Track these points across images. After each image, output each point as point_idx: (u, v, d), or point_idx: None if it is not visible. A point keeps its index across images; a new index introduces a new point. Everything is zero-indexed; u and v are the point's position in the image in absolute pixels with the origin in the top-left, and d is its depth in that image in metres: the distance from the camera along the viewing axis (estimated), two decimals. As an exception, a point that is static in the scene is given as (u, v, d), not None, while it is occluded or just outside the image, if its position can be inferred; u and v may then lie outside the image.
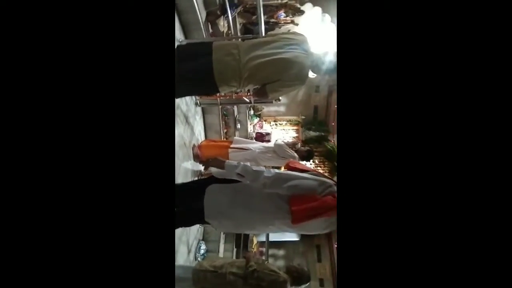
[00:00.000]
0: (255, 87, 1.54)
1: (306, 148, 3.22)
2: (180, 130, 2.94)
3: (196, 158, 3.30)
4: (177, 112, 2.88)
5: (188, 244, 3.06)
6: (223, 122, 3.88)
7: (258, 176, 1.35)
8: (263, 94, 1.52)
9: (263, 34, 2.48)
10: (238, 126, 4.05)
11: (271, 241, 3.65)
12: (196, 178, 3.26)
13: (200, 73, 1.42)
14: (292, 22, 4.05)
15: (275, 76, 1.43)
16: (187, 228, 3.02)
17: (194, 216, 1.54)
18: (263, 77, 1.45)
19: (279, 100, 3.60)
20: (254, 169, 1.38)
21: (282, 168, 3.09)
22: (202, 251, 3.34)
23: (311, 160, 3.13)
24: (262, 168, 1.40)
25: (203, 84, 1.45)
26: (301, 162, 2.94)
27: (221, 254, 3.61)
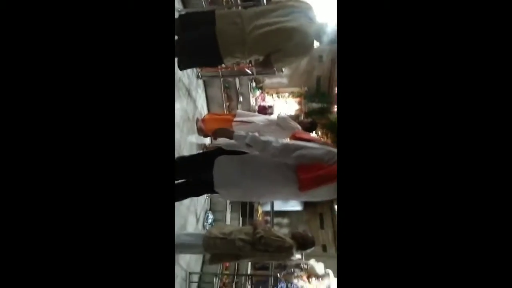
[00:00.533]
0: (259, 57, 1.52)
1: (309, 120, 3.22)
2: (183, 104, 2.93)
3: (200, 131, 3.32)
4: (179, 85, 2.85)
5: (196, 214, 3.19)
6: (225, 95, 3.85)
7: (267, 146, 1.38)
8: (267, 65, 1.50)
9: (265, 1, 2.39)
10: (241, 99, 4.02)
11: (276, 211, 3.78)
12: (201, 151, 3.31)
13: (203, 43, 1.39)
14: (295, -13, 3.85)
15: (280, 45, 1.40)
16: (195, 199, 3.12)
17: (203, 187, 1.60)
18: (268, 46, 1.42)
19: (282, 71, 3.54)
20: (262, 139, 1.40)
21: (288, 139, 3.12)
22: (209, 221, 3.49)
23: (314, 132, 3.15)
24: (271, 138, 1.43)
25: (207, 55, 1.43)
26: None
27: (227, 223, 3.76)
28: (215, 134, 1.53)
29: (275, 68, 1.69)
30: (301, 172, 1.38)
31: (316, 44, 1.56)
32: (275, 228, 2.38)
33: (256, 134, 1.46)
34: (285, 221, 4.63)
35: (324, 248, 4.77)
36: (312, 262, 3.89)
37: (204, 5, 2.75)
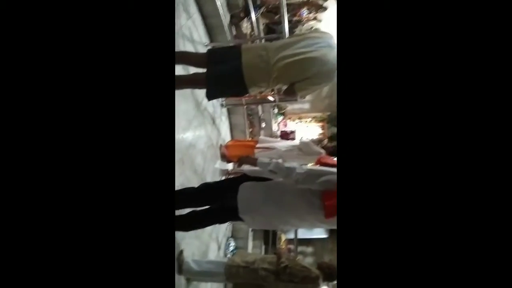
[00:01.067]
0: (284, 86, 1.57)
1: (333, 144, 3.20)
2: (208, 131, 3.03)
3: (223, 157, 3.39)
4: (204, 113, 2.97)
5: (218, 241, 3.16)
6: (248, 122, 3.94)
7: (291, 172, 1.38)
8: (291, 93, 1.55)
9: (287, 33, 2.50)
10: (263, 125, 4.10)
11: (299, 238, 3.65)
12: (223, 178, 3.34)
13: (230, 76, 1.47)
14: (315, 18, 4.02)
15: (303, 75, 1.45)
16: (217, 226, 3.11)
17: (227, 213, 1.60)
18: (292, 76, 1.47)
19: (304, 97, 3.59)
20: (286, 165, 1.41)
21: (311, 165, 3.09)
22: (231, 248, 3.43)
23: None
24: (294, 165, 1.43)
25: (233, 87, 1.50)
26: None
27: (249, 251, 3.68)
28: (239, 162, 1.56)
29: (298, 96, 1.73)
30: (327, 199, 1.35)
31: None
32: (299, 257, 2.29)
33: (280, 160, 1.47)
34: (309, 249, 4.45)
35: (352, 281, 4.48)
36: (339, 296, 3.65)
37: (228, 38, 2.92)
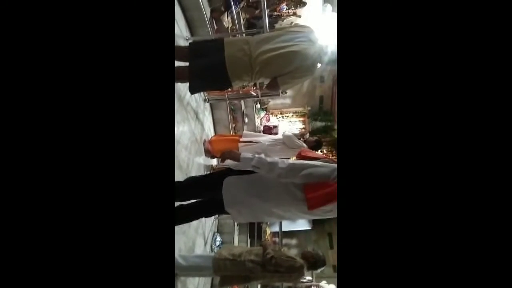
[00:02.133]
0: (266, 80, 1.60)
1: (315, 138, 3.27)
2: (191, 126, 3.01)
3: (207, 153, 3.38)
4: (188, 108, 2.95)
5: (204, 236, 3.16)
6: (231, 117, 3.94)
7: (273, 167, 1.41)
8: (274, 87, 1.58)
9: (267, 28, 2.52)
10: (246, 120, 4.11)
11: (284, 231, 3.73)
12: (208, 172, 3.34)
13: (214, 69, 1.47)
14: (295, 14, 4.06)
15: (285, 68, 1.48)
16: (203, 221, 3.11)
17: (213, 207, 1.62)
18: (274, 70, 1.50)
19: (286, 92, 3.65)
20: (268, 160, 1.44)
21: (293, 158, 3.15)
22: (217, 243, 3.45)
23: (319, 149, 3.19)
24: (277, 159, 1.46)
25: (217, 80, 1.51)
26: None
27: (236, 245, 3.71)
28: (222, 157, 1.57)
29: (280, 90, 1.76)
30: (309, 191, 1.40)
31: (318, 65, 1.64)
32: (284, 248, 2.35)
33: (263, 155, 1.49)
34: (293, 241, 4.54)
35: (335, 268, 4.64)
36: (323, 284, 3.77)
37: (210, 32, 2.90)
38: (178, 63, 1.62)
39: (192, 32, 2.91)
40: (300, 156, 1.64)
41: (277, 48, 1.48)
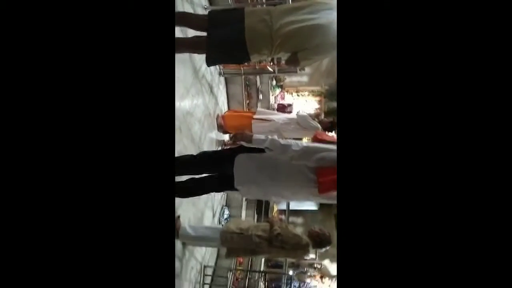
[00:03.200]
0: (286, 54, 1.52)
1: (330, 119, 3.19)
2: (205, 100, 2.98)
3: (220, 128, 3.37)
4: (202, 81, 2.90)
5: (213, 209, 3.24)
6: (246, 93, 3.87)
7: (286, 149, 1.39)
8: (294, 62, 1.50)
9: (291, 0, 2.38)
10: (260, 96, 4.04)
11: (291, 210, 3.77)
12: (220, 148, 3.35)
13: (232, 40, 1.41)
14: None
15: (308, 43, 1.40)
16: (212, 194, 3.17)
17: (224, 183, 1.62)
18: (296, 44, 1.42)
19: (304, 69, 3.52)
20: (282, 142, 1.41)
21: (307, 139, 3.11)
22: (225, 216, 3.53)
23: (334, 131, 3.12)
24: (290, 141, 1.43)
25: (235, 52, 1.45)
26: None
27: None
28: (234, 138, 1.55)
29: (300, 66, 1.68)
30: (321, 175, 1.38)
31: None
32: (291, 226, 2.38)
33: (275, 137, 1.47)
34: (299, 220, 4.62)
35: (339, 249, 4.72)
36: (326, 262, 3.86)
37: (230, 2, 2.77)
38: (196, 32, 1.56)
39: (211, 1, 2.80)
40: (315, 139, 1.60)
41: (301, 20, 1.38)
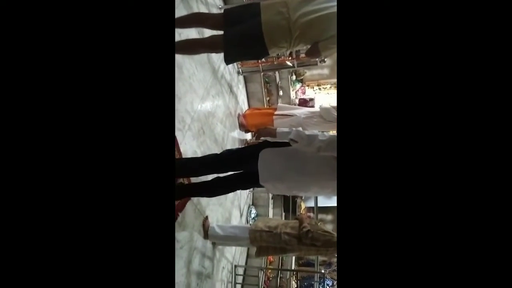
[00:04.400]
0: (306, 46, 1.47)
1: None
2: (225, 100, 2.99)
3: (242, 127, 3.36)
4: (222, 82, 2.91)
5: (240, 208, 3.24)
6: (265, 90, 3.84)
7: (313, 140, 1.34)
8: (315, 53, 1.45)
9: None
10: (281, 93, 3.98)
11: (319, 207, 3.69)
12: (243, 146, 3.35)
13: (249, 36, 1.38)
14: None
15: (328, 32, 1.34)
16: (238, 194, 3.18)
17: (249, 180, 1.61)
18: (315, 34, 1.37)
19: (325, 61, 3.42)
20: (307, 133, 1.37)
21: (331, 132, 3.02)
22: (252, 215, 3.53)
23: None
24: (316, 132, 1.38)
25: (253, 47, 1.42)
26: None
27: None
28: (258, 134, 1.53)
29: (322, 57, 1.62)
30: None
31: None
32: (320, 223, 2.32)
33: (300, 129, 1.43)
34: (329, 217, 4.50)
35: (371, 245, 4.55)
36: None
37: (245, 0, 2.75)
38: (212, 32, 1.55)
39: (225, 1, 2.79)
40: None
41: (319, 9, 1.33)
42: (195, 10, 2.13)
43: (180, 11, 1.90)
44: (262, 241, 2.18)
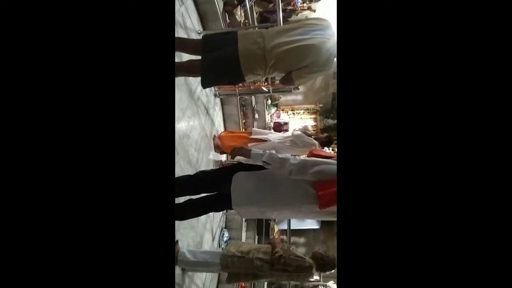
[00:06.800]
0: (280, 74, 1.55)
1: (325, 135, 3.21)
2: (201, 121, 2.99)
3: (217, 148, 3.36)
4: (198, 103, 2.93)
5: (212, 232, 3.15)
6: (242, 113, 3.91)
7: (284, 163, 1.37)
8: (288, 81, 1.53)
9: (281, 22, 2.46)
10: (256, 116, 4.07)
11: (292, 229, 3.69)
12: (217, 167, 3.32)
13: (227, 62, 1.44)
14: (309, 8, 3.97)
15: (301, 62, 1.43)
16: (211, 216, 3.10)
17: (222, 202, 1.59)
18: (289, 64, 1.45)
19: (298, 88, 3.58)
20: (280, 156, 1.40)
21: (304, 156, 3.10)
22: (225, 238, 3.44)
23: (330, 147, 3.12)
24: (288, 155, 1.42)
25: (230, 74, 1.47)
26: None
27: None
28: (232, 154, 1.54)
29: (294, 85, 1.71)
30: (320, 188, 1.35)
31: (334, 60, 1.58)
32: (293, 247, 2.31)
33: (273, 151, 1.46)
34: (301, 240, 4.50)
35: (343, 269, 4.57)
36: (330, 284, 3.73)
37: (223, 26, 2.86)
38: (190, 57, 1.59)
39: (204, 26, 2.88)
40: (311, 155, 1.59)
41: (293, 41, 1.42)
42: (175, 34, 2.17)
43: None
44: (234, 267, 2.12)
